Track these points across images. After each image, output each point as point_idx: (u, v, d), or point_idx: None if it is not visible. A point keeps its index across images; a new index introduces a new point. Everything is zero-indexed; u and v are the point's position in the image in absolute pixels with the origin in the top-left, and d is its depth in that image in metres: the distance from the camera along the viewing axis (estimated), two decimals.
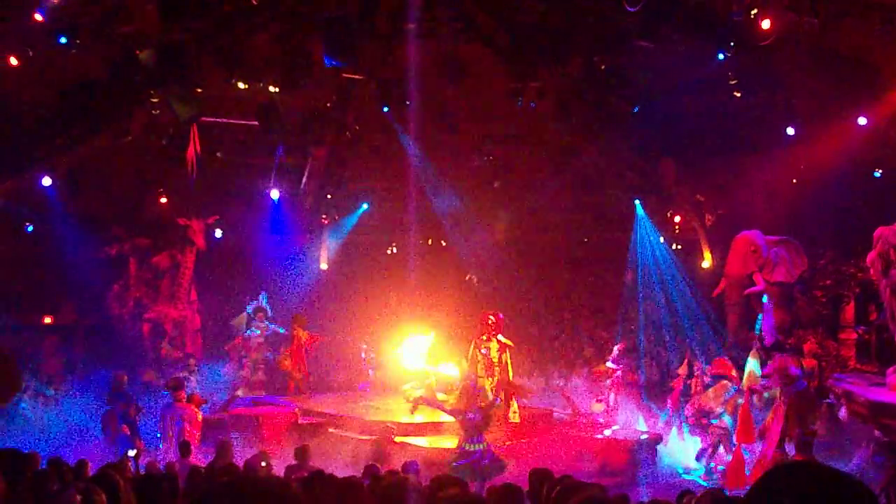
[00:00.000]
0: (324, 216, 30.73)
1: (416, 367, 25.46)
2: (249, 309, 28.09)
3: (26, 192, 25.43)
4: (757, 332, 22.31)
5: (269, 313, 27.99)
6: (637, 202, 28.69)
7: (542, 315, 30.50)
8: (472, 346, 23.35)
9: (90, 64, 21.20)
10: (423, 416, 22.12)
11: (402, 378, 25.88)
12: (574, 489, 6.27)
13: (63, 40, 19.85)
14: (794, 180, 25.71)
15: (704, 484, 18.92)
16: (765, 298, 23.02)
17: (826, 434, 20.35)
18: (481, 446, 17.39)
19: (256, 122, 24.16)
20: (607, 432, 21.80)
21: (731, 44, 20.34)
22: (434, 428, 21.51)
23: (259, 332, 27.59)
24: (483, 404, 18.06)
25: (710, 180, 27.27)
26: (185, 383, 22.24)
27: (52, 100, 22.28)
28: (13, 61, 20.25)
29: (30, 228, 27.76)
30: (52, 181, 24.80)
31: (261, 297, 28.16)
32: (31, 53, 20.32)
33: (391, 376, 26.98)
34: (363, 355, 28.54)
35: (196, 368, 25.51)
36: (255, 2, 19.40)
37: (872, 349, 22.62)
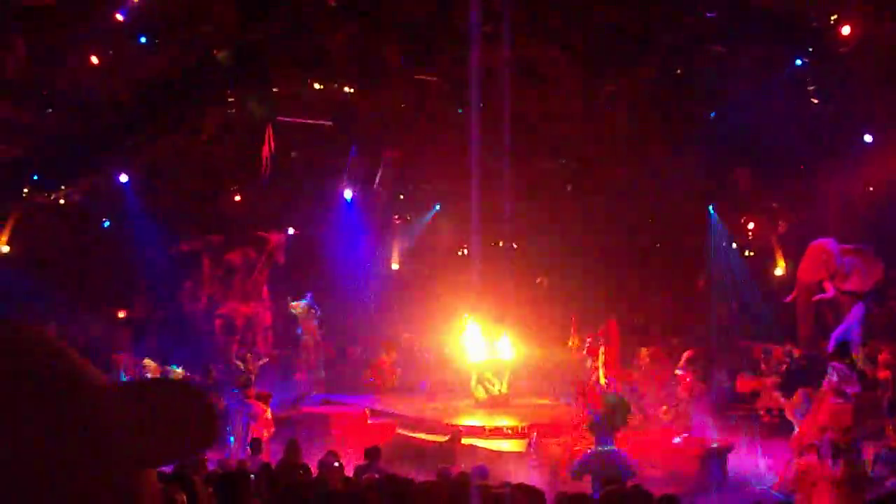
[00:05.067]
0: (396, 216, 30.85)
1: (479, 360, 25.48)
2: (300, 308, 28.17)
3: (104, 189, 25.86)
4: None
5: (318, 312, 28.03)
6: (710, 208, 28.44)
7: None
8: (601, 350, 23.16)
9: (168, 64, 21.48)
10: (486, 420, 22.15)
11: (466, 376, 25.91)
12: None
13: (143, 40, 20.19)
14: (871, 188, 25.38)
15: (777, 494, 18.67)
16: None
17: None
18: (609, 448, 17.31)
19: (331, 123, 24.33)
20: (677, 439, 21.61)
21: (810, 50, 20.15)
22: (500, 431, 21.50)
23: (307, 335, 27.64)
24: (606, 407, 17.97)
25: (785, 187, 26.96)
26: (252, 380, 22.33)
27: (131, 99, 22.60)
28: (94, 60, 20.59)
29: (106, 224, 28.19)
30: (129, 178, 25.16)
31: (308, 296, 28.21)
32: (111, 53, 20.65)
33: (455, 375, 27.01)
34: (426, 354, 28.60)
35: (253, 366, 25.41)
36: (332, 3, 19.56)
37: None
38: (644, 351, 24.79)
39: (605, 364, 22.05)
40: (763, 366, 24.38)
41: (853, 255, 22.92)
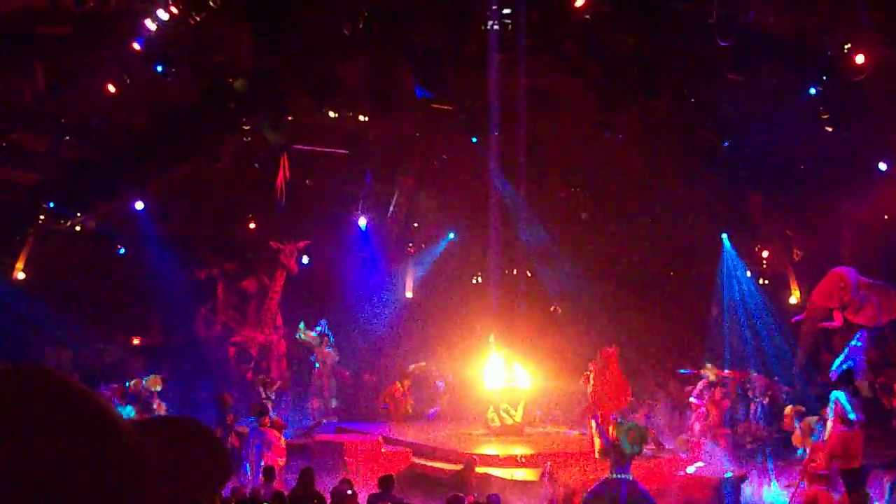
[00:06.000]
0: (410, 244, 30.90)
1: (497, 388, 25.37)
2: (308, 336, 28.25)
3: (119, 216, 26.00)
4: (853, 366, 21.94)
5: (332, 339, 28.07)
6: (724, 236, 28.39)
7: (626, 348, 30.21)
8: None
9: (184, 91, 21.62)
10: (500, 449, 22.09)
11: (480, 404, 25.79)
12: None
13: (159, 68, 20.32)
14: (886, 216, 25.33)
15: None
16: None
17: None
18: (627, 476, 17.23)
19: (346, 151, 24.41)
20: (691, 469, 21.49)
21: (824, 78, 20.14)
22: (514, 459, 21.44)
23: (319, 364, 27.75)
24: (635, 435, 17.94)
25: (799, 215, 26.93)
26: (269, 408, 22.32)
27: (147, 126, 22.76)
28: (111, 88, 20.72)
29: (122, 251, 28.31)
30: (145, 205, 25.31)
31: (322, 323, 28.25)
32: (128, 81, 20.78)
33: (468, 403, 26.94)
34: (440, 384, 28.54)
35: (269, 394, 25.46)
36: (346, 31, 19.61)
37: None
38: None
39: (595, 391, 22.04)
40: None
41: (870, 290, 22.85)
